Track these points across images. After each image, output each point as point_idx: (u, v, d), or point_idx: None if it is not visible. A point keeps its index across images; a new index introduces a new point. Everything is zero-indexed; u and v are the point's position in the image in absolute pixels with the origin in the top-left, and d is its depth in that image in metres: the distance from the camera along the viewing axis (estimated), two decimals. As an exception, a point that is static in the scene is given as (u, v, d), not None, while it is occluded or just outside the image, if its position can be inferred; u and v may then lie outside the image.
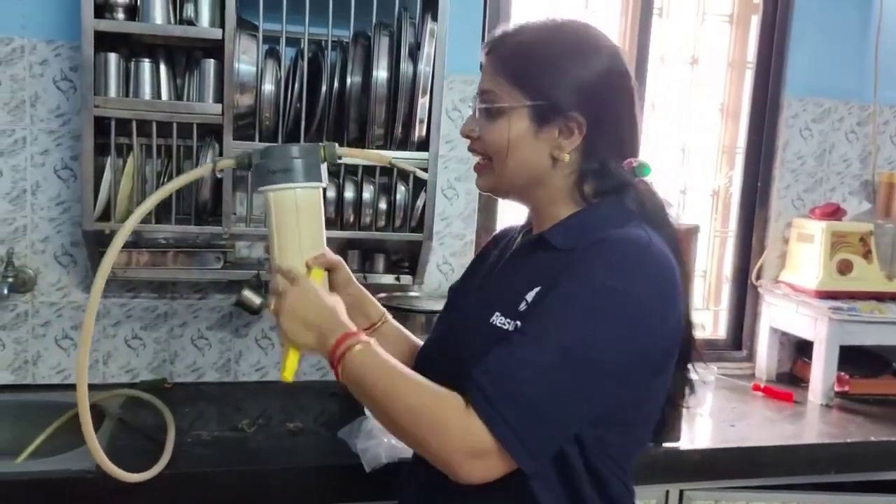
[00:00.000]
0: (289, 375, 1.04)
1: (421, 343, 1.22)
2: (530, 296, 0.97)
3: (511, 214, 2.19)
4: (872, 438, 1.79)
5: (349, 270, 1.17)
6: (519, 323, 0.96)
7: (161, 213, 1.68)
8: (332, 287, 1.13)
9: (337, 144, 1.10)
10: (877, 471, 1.79)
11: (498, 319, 0.99)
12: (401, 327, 1.26)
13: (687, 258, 1.04)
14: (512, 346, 0.91)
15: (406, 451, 1.47)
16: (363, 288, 1.20)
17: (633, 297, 0.90)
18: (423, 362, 1.12)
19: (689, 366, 1.05)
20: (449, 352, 1.05)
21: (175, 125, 1.64)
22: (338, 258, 1.13)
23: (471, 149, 1.06)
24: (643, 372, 0.94)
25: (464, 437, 0.89)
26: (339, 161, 1.13)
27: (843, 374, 2.05)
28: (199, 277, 1.81)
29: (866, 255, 2.09)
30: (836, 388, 2.03)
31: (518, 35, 1.02)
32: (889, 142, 2.32)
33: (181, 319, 1.90)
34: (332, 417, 1.72)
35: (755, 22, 2.27)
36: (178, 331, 1.91)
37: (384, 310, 1.23)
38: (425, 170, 1.49)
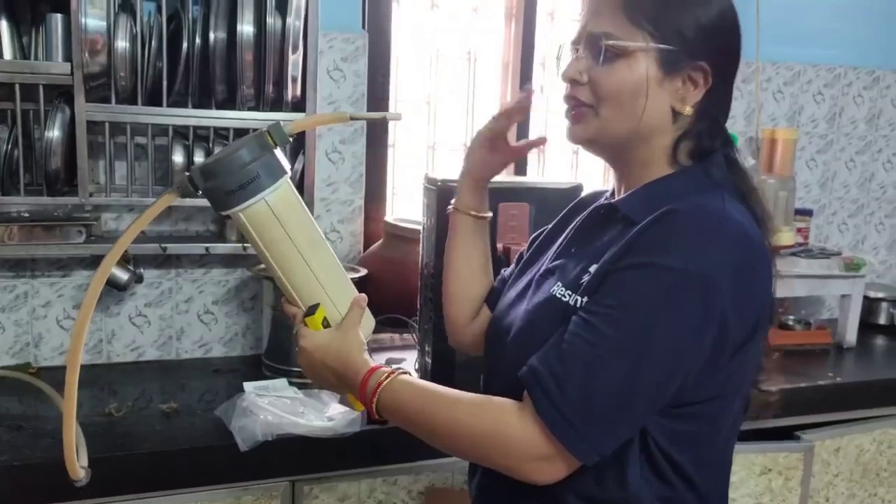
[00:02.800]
0: (359, 406, 1.00)
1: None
2: (593, 268, 0.91)
3: (405, 177, 2.14)
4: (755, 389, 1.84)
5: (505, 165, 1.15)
6: (579, 298, 0.90)
7: (9, 183, 1.54)
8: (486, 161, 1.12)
9: (281, 122, 0.94)
10: (757, 419, 1.83)
11: (559, 290, 0.94)
12: (488, 240, 1.21)
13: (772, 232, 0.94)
14: (572, 335, 0.86)
15: (282, 428, 1.42)
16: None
17: (698, 276, 0.82)
18: (490, 330, 1.09)
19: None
20: (514, 323, 1.00)
21: (18, 87, 1.49)
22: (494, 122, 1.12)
23: (571, 95, 0.95)
24: (718, 354, 0.85)
25: (526, 446, 0.85)
26: (291, 139, 0.96)
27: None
28: (59, 253, 1.68)
29: (750, 210, 2.13)
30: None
31: None
32: (772, 98, 2.36)
33: (44, 299, 1.76)
34: (213, 396, 1.64)
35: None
36: (42, 311, 1.77)
37: (490, 213, 1.19)
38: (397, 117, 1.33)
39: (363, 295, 1.04)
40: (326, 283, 1.00)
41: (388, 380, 0.94)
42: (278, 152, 0.94)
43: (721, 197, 0.89)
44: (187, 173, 0.94)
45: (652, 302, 0.83)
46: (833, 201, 2.51)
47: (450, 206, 1.17)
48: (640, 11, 0.90)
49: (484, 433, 0.87)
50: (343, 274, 1.04)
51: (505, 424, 0.86)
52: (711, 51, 0.90)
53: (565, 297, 0.92)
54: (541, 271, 1.03)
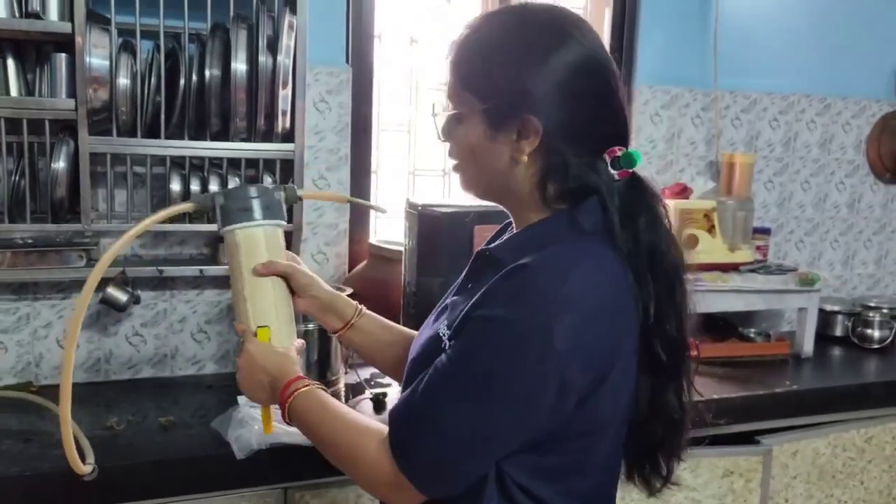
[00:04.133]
0: (268, 430, 1.17)
1: (415, 332, 1.23)
2: (465, 310, 0.95)
3: (387, 201, 2.26)
4: (715, 396, 1.97)
5: (309, 273, 1.20)
6: (448, 339, 0.96)
7: (15, 211, 1.64)
8: (293, 292, 1.18)
9: (297, 187, 1.20)
10: (719, 425, 1.96)
11: (442, 329, 0.99)
12: (382, 319, 1.28)
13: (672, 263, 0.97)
14: (430, 376, 0.92)
15: (276, 437, 1.51)
16: (330, 288, 1.24)
17: (537, 330, 0.86)
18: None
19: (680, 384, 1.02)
20: (412, 357, 1.07)
21: (25, 121, 1.60)
22: (287, 265, 1.16)
23: (448, 153, 1.04)
24: (563, 400, 0.89)
25: (377, 471, 0.94)
26: (298, 201, 1.21)
27: (693, 339, 2.22)
28: (61, 277, 1.77)
29: (710, 229, 2.27)
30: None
31: (470, 31, 0.98)
32: (730, 125, 2.52)
33: (45, 320, 1.86)
34: (207, 411, 1.73)
35: (608, 15, 2.42)
36: (43, 332, 1.86)
37: (357, 304, 1.26)
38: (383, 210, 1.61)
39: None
40: (280, 316, 1.15)
41: (305, 389, 1.04)
42: (283, 207, 1.16)
43: (580, 247, 0.92)
44: (214, 192, 1.15)
45: (494, 352, 0.88)
46: (790, 220, 2.66)
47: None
48: (468, 77, 0.97)
49: (351, 454, 0.98)
50: (292, 315, 1.19)
51: (365, 450, 0.95)
52: (540, 103, 0.93)
53: (444, 335, 0.97)
54: (441, 306, 1.10)
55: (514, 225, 1.04)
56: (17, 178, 1.65)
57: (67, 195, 1.64)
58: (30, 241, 1.76)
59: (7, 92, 1.62)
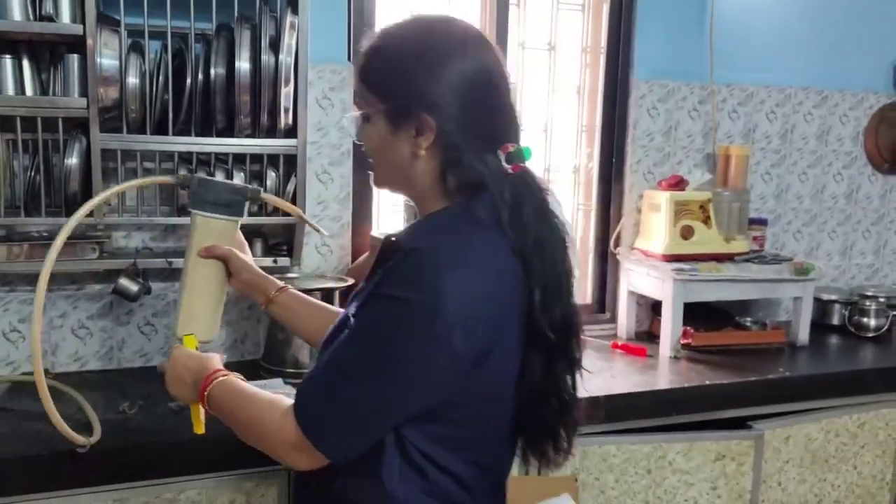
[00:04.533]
0: (199, 429, 1.27)
1: (334, 310, 1.39)
2: (367, 290, 1.06)
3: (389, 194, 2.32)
4: (707, 382, 2.02)
5: (242, 258, 1.36)
6: (353, 317, 1.06)
7: (31, 205, 1.72)
8: (229, 273, 1.35)
9: (262, 190, 1.40)
10: (711, 410, 2.02)
11: (352, 310, 1.09)
12: (308, 299, 1.41)
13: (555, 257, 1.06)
14: (333, 350, 1.03)
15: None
16: (260, 271, 1.38)
17: (425, 307, 0.95)
18: None
19: (564, 360, 1.09)
20: (325, 337, 1.16)
21: (39, 120, 1.67)
22: (226, 249, 1.33)
23: (365, 154, 1.15)
24: (453, 372, 0.98)
25: (279, 434, 1.04)
26: (259, 203, 1.47)
27: (688, 328, 2.28)
28: (74, 268, 1.85)
29: (706, 220, 2.32)
30: (682, 341, 2.26)
31: (375, 40, 1.09)
32: (728, 118, 2.56)
33: (60, 310, 1.94)
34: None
35: (605, 10, 2.46)
36: (58, 321, 1.94)
37: (281, 284, 1.40)
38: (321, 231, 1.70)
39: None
40: (211, 294, 1.36)
41: (222, 378, 1.15)
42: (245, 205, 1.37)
43: (472, 235, 1.02)
44: (194, 175, 1.37)
45: (386, 328, 0.98)
46: (788, 211, 2.70)
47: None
48: (371, 80, 1.08)
49: (258, 424, 1.08)
50: (222, 296, 1.39)
51: (270, 418, 1.05)
52: (433, 104, 1.02)
53: (351, 316, 1.06)
54: (355, 292, 1.19)
55: (418, 216, 1.14)
56: (32, 173, 1.73)
57: (80, 190, 1.72)
58: (45, 234, 1.84)
59: (22, 91, 1.70)
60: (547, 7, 2.44)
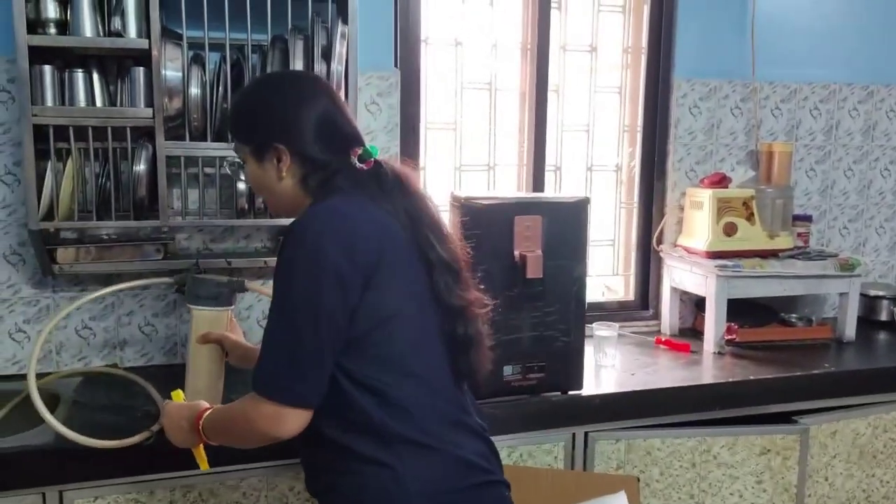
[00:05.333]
0: (204, 466, 1.46)
1: None
2: None
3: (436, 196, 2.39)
4: (751, 377, 2.04)
5: (234, 339, 1.63)
6: None
7: (102, 210, 1.83)
8: (225, 351, 1.64)
9: (245, 282, 1.68)
10: (756, 405, 2.04)
11: None
12: None
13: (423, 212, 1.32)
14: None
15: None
16: (248, 345, 1.64)
17: (307, 251, 1.18)
18: None
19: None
20: None
21: (109, 129, 1.78)
22: (219, 334, 1.62)
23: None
24: (348, 293, 1.18)
25: (255, 414, 1.20)
26: (245, 291, 1.70)
27: (732, 324, 2.29)
28: (141, 269, 1.96)
29: (749, 217, 2.34)
30: (726, 337, 2.28)
31: (235, 99, 1.48)
32: (770, 115, 2.57)
33: (128, 308, 2.05)
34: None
35: (646, 10, 2.50)
36: (126, 319, 2.05)
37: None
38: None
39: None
40: (210, 372, 1.64)
41: (209, 412, 1.35)
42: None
43: (333, 197, 1.25)
44: (188, 275, 1.66)
45: (286, 281, 1.20)
46: (833, 207, 2.69)
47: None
48: (235, 129, 1.39)
49: (241, 422, 1.24)
50: (221, 372, 1.66)
51: (243, 410, 1.23)
52: (275, 135, 1.29)
53: None
54: None
55: None
56: (102, 180, 1.84)
57: (147, 194, 1.82)
58: (113, 236, 1.95)
59: (93, 103, 1.81)
60: (588, 9, 2.48)
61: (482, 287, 1.36)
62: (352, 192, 1.27)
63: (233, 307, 1.65)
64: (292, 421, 1.19)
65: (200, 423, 1.34)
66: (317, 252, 1.17)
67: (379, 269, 1.20)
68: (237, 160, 1.41)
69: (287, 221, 1.86)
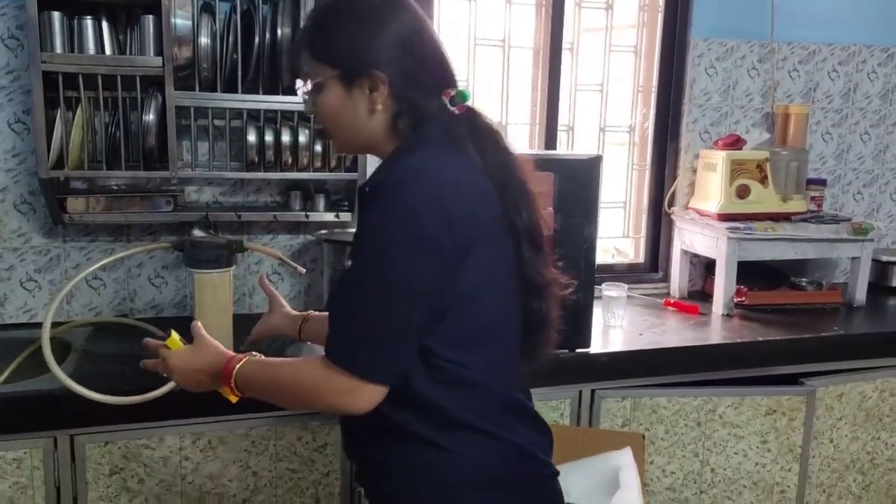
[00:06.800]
0: (233, 399, 1.25)
1: None
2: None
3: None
4: (759, 339, 2.04)
5: (281, 300, 1.59)
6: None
7: (112, 159, 1.83)
8: (271, 310, 1.58)
9: (244, 241, 1.67)
10: (763, 366, 2.04)
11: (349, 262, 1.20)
12: (323, 316, 1.50)
13: (515, 173, 1.17)
14: (338, 289, 1.10)
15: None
16: (292, 313, 1.56)
17: (401, 220, 1.03)
18: None
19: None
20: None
21: (119, 78, 1.77)
22: (273, 291, 1.59)
23: (315, 123, 1.26)
24: (447, 265, 1.06)
25: (328, 384, 1.06)
26: (245, 251, 1.69)
27: (741, 287, 2.29)
28: (151, 220, 1.97)
29: (762, 180, 2.31)
30: (736, 300, 2.27)
31: (315, 15, 1.18)
32: (787, 76, 2.53)
33: (138, 260, 2.06)
34: (283, 342, 1.89)
35: (664, -32, 2.45)
36: (136, 270, 2.06)
37: (303, 316, 1.54)
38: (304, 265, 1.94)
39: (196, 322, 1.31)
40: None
41: (241, 363, 1.17)
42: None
43: (425, 151, 1.10)
44: (186, 239, 1.68)
45: (373, 245, 1.05)
46: (848, 172, 2.66)
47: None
48: (319, 51, 1.15)
49: (304, 388, 1.09)
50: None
51: (313, 377, 1.08)
52: (378, 60, 1.11)
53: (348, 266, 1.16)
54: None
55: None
56: (112, 129, 1.83)
57: (157, 145, 1.82)
58: (123, 186, 1.95)
59: (102, 51, 1.79)
60: (604, -35, 2.44)
61: (560, 265, 1.23)
62: (443, 145, 1.12)
63: (234, 267, 1.62)
64: (368, 397, 1.06)
65: (233, 378, 1.17)
66: (413, 221, 1.03)
67: (476, 242, 1.08)
68: (311, 85, 1.17)
69: (308, 177, 1.91)
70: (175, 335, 1.28)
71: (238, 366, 1.17)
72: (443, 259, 1.06)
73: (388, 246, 1.04)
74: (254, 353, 1.21)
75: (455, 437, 1.11)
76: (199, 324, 1.29)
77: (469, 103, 1.16)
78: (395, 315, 1.05)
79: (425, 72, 1.15)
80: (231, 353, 1.22)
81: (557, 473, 1.23)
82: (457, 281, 1.08)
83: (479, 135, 1.15)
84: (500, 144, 1.17)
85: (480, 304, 1.11)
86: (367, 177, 1.22)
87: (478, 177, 1.12)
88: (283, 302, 1.59)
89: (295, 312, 1.56)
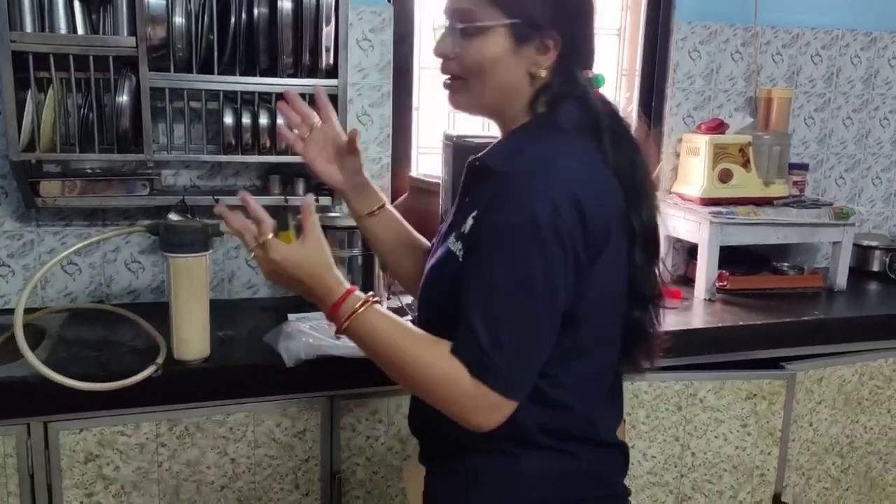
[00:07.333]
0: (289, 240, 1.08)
1: (421, 239, 1.35)
2: (471, 218, 1.02)
3: (430, 136, 2.35)
4: (740, 323, 2.04)
5: (361, 160, 1.27)
6: (461, 245, 1.02)
7: (85, 142, 1.79)
8: (342, 169, 1.26)
9: (220, 225, 1.46)
10: (743, 350, 2.04)
11: (453, 244, 1.05)
12: (399, 218, 1.34)
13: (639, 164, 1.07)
14: (467, 299, 0.97)
15: (322, 349, 1.65)
16: (368, 177, 1.30)
17: (534, 222, 0.94)
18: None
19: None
20: (426, 276, 1.12)
21: (92, 58, 1.73)
22: (353, 140, 1.23)
23: (444, 69, 1.08)
24: (579, 270, 0.98)
25: (470, 398, 0.96)
26: (221, 235, 1.61)
27: (723, 271, 2.28)
28: (127, 204, 1.93)
29: (745, 164, 2.31)
30: (718, 284, 2.27)
31: None
32: (770, 60, 2.52)
33: (114, 245, 2.02)
34: (261, 328, 1.87)
35: (648, -51, 2.42)
36: (112, 255, 2.03)
37: (384, 199, 1.32)
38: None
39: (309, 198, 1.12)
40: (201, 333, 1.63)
41: (364, 308, 1.02)
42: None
43: (557, 139, 1.02)
44: (161, 223, 1.61)
45: (512, 253, 0.95)
46: (830, 156, 2.66)
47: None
48: None
49: (433, 380, 0.98)
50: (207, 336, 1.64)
51: (444, 374, 0.97)
52: (557, 20, 1.01)
53: (457, 252, 1.03)
54: (446, 226, 1.15)
55: (500, 132, 1.13)
56: (85, 111, 1.79)
57: (131, 127, 1.78)
58: (97, 170, 1.92)
59: (74, 30, 1.75)
60: (588, -54, 2.40)
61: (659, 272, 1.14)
62: (576, 132, 1.03)
63: (209, 252, 1.59)
64: (505, 413, 0.99)
65: (349, 322, 1.02)
66: (554, 223, 0.94)
67: (607, 244, 1.00)
68: (465, 26, 1.03)
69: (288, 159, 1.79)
70: (292, 230, 1.09)
71: (359, 312, 1.01)
72: (579, 264, 0.98)
73: (523, 252, 0.95)
74: (373, 293, 1.06)
75: (529, 448, 1.05)
76: (317, 220, 1.08)
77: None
78: (541, 329, 0.98)
79: (586, 46, 1.07)
80: (346, 285, 1.05)
81: (629, 493, 1.18)
82: (581, 289, 1.00)
83: (618, 130, 1.05)
84: (631, 137, 1.08)
85: (597, 314, 1.04)
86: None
87: (608, 172, 1.03)
88: (362, 160, 1.29)
89: (369, 181, 1.30)
